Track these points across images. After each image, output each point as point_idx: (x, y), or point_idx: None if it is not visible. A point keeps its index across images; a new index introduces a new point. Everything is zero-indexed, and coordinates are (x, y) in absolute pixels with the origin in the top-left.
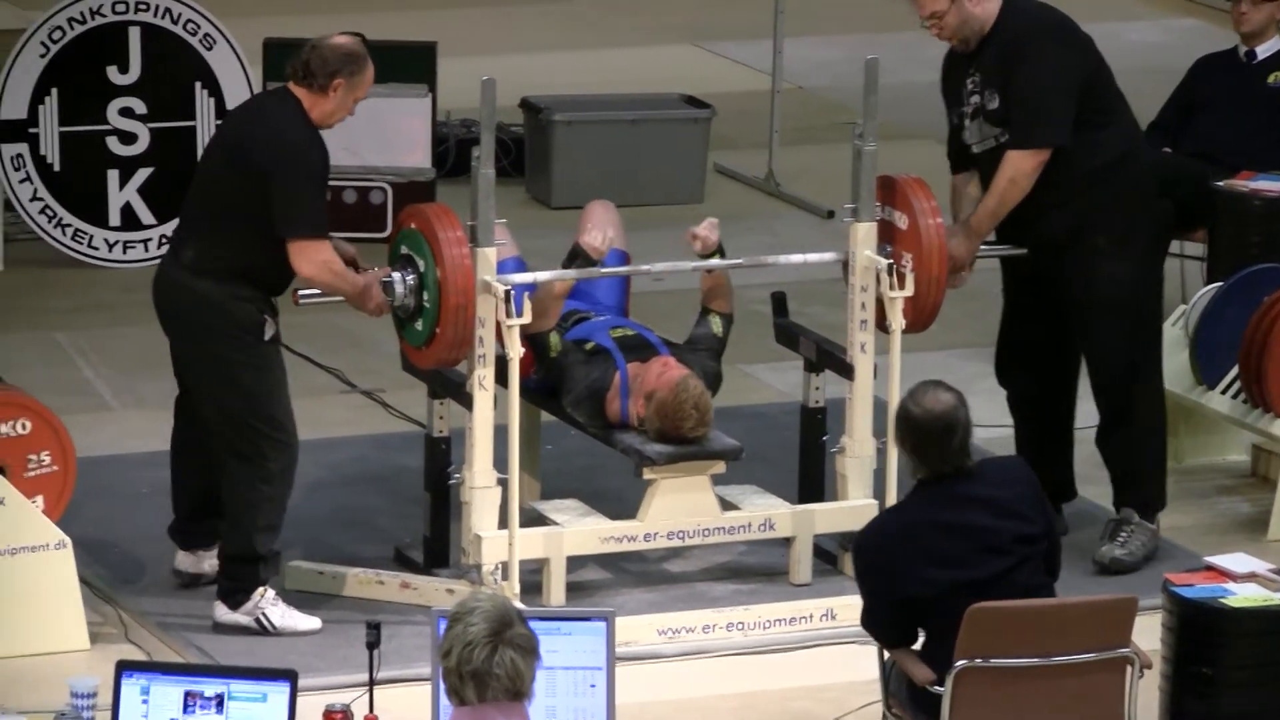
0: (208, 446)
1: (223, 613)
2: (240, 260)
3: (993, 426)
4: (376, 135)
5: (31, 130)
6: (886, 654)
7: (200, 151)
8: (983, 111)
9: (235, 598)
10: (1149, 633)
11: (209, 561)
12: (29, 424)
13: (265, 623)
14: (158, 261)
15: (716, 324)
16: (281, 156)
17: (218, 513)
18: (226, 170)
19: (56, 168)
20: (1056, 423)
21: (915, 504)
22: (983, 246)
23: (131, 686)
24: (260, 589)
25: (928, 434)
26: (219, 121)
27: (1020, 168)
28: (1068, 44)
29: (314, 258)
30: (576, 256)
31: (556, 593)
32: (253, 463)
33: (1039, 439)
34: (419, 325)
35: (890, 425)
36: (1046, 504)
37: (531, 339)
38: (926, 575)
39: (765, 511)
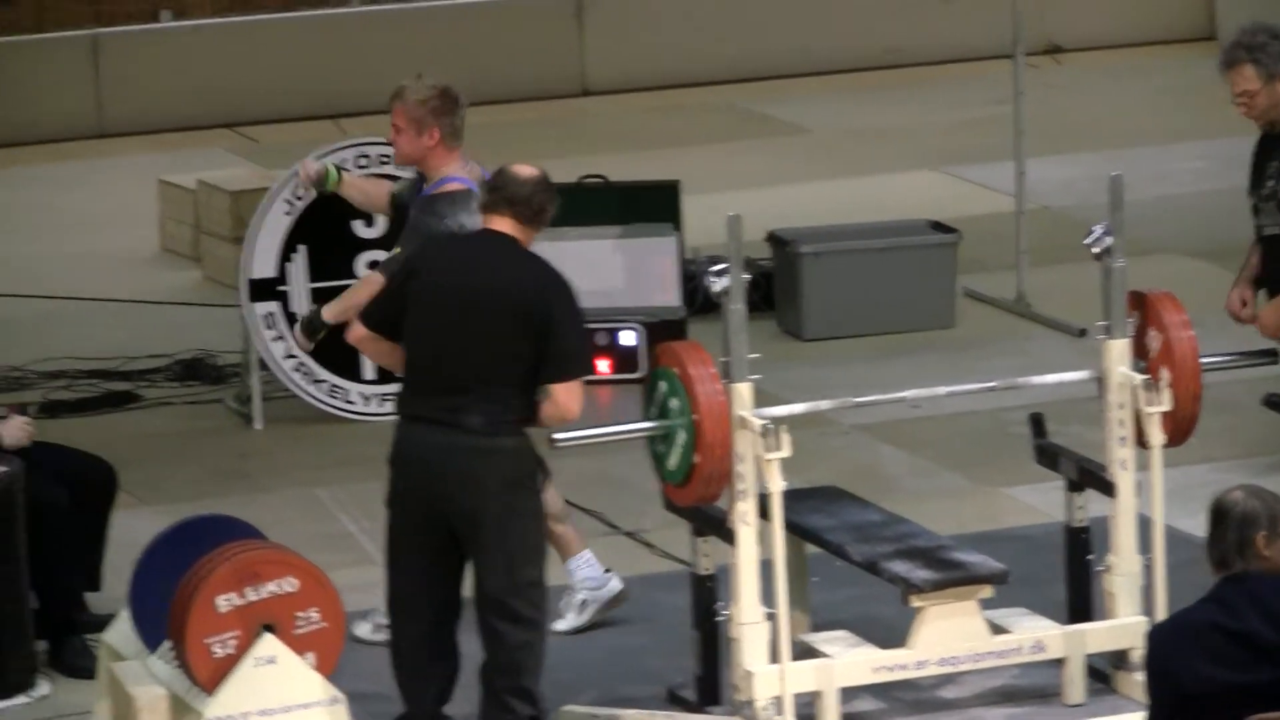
0: (447, 627)
1: None
2: (526, 409)
3: None
4: (626, 276)
5: (281, 288)
6: None
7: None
8: (1275, 198)
9: None
10: None
11: None
12: (296, 581)
13: None
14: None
15: None
16: (563, 302)
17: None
18: (500, 325)
19: None
20: None
21: (1205, 602)
22: (1236, 355)
23: None
24: None
25: (1227, 524)
26: (436, 278)
27: None
28: None
29: (580, 395)
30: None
31: None
32: (531, 622)
33: None
34: (677, 463)
35: (1156, 541)
36: None
37: None
38: (1204, 673)
39: (1035, 633)
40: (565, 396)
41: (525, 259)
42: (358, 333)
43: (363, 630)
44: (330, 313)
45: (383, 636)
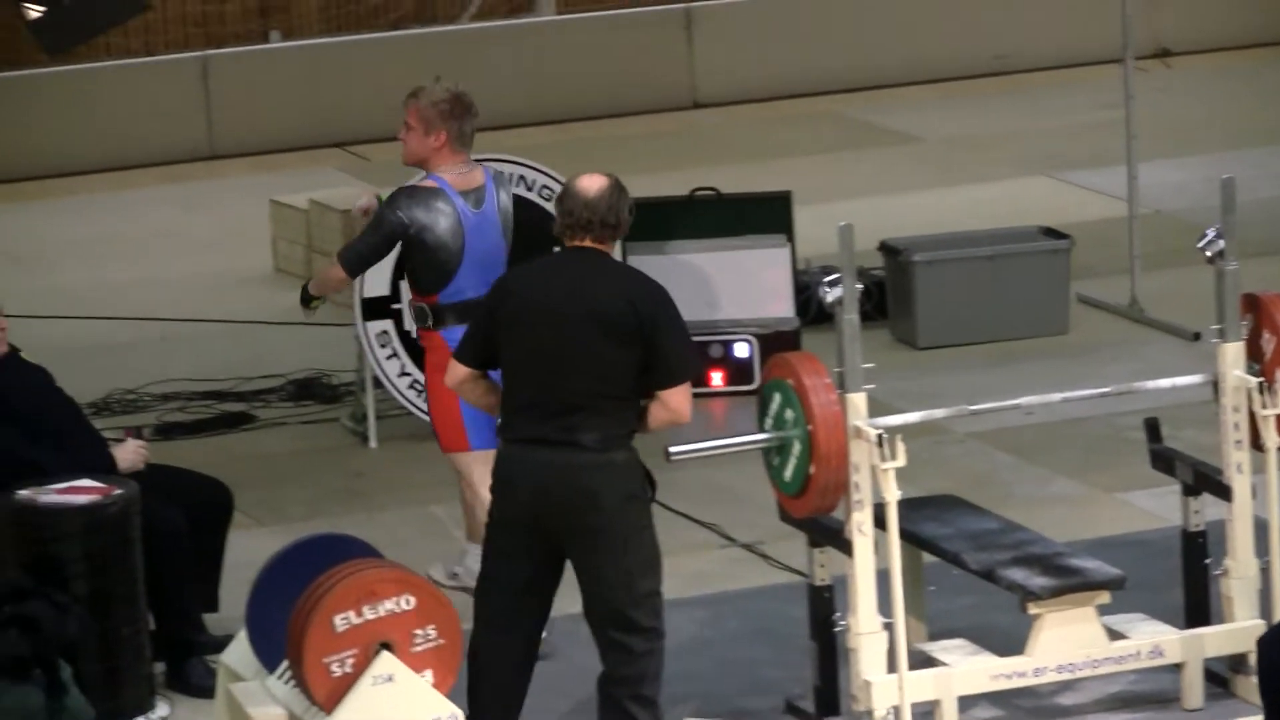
0: (535, 644)
1: None
2: (633, 420)
3: None
4: (738, 287)
5: (394, 306)
6: None
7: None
8: None
9: None
10: None
11: None
12: (414, 599)
13: None
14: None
15: None
16: (663, 307)
17: None
18: (607, 340)
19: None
20: None
21: None
22: None
23: None
24: None
25: None
26: (531, 301)
27: None
28: None
29: (690, 397)
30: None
31: None
32: (652, 631)
33: None
34: (793, 475)
35: (1273, 544)
36: None
37: None
38: None
39: (1153, 638)
40: (678, 400)
41: (618, 272)
42: (457, 374)
43: (436, 573)
44: (313, 287)
45: (455, 582)
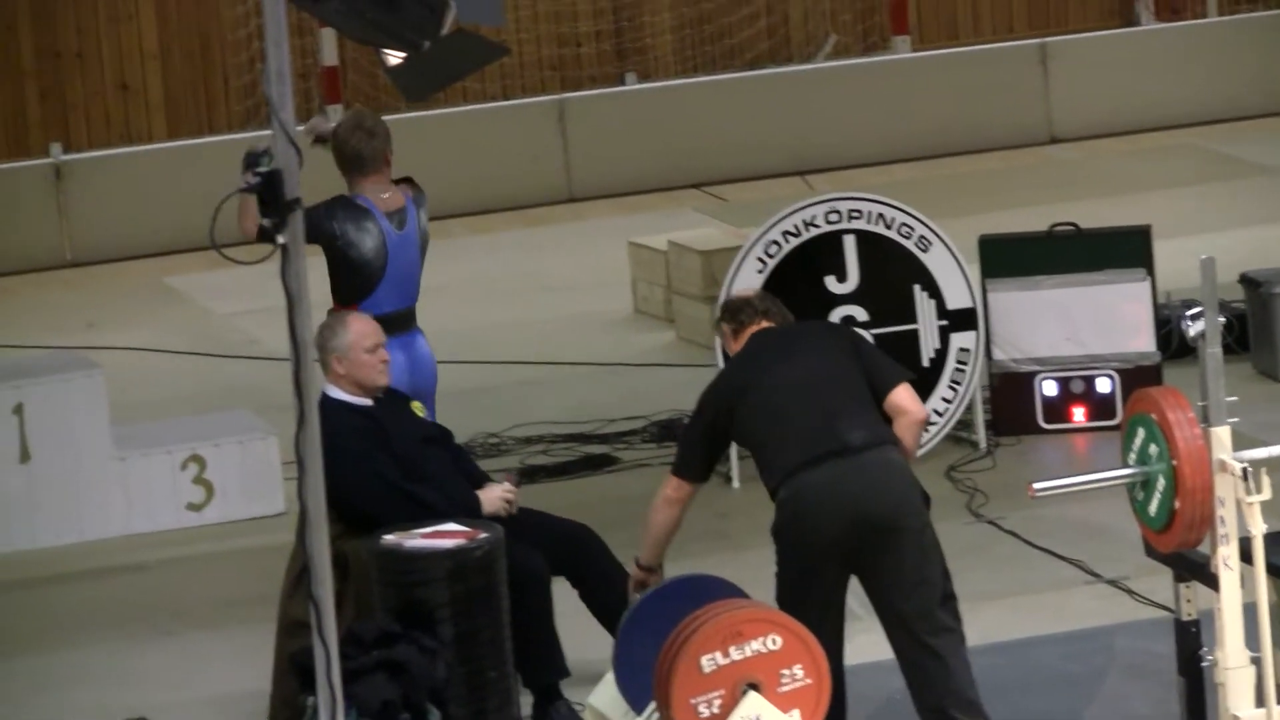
0: (839, 678)
1: None
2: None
3: None
4: (1099, 322)
5: None
6: None
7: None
8: None
9: None
10: None
11: None
12: (780, 639)
13: None
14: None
15: None
16: (857, 333)
17: None
18: (834, 359)
19: None
20: None
21: None
22: None
23: None
24: None
25: None
26: (752, 376)
27: None
28: None
29: (915, 393)
30: None
31: None
32: (960, 633)
33: None
34: (1157, 509)
35: None
36: None
37: None
38: None
39: None
40: (909, 397)
41: (805, 323)
42: (685, 491)
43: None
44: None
45: None
